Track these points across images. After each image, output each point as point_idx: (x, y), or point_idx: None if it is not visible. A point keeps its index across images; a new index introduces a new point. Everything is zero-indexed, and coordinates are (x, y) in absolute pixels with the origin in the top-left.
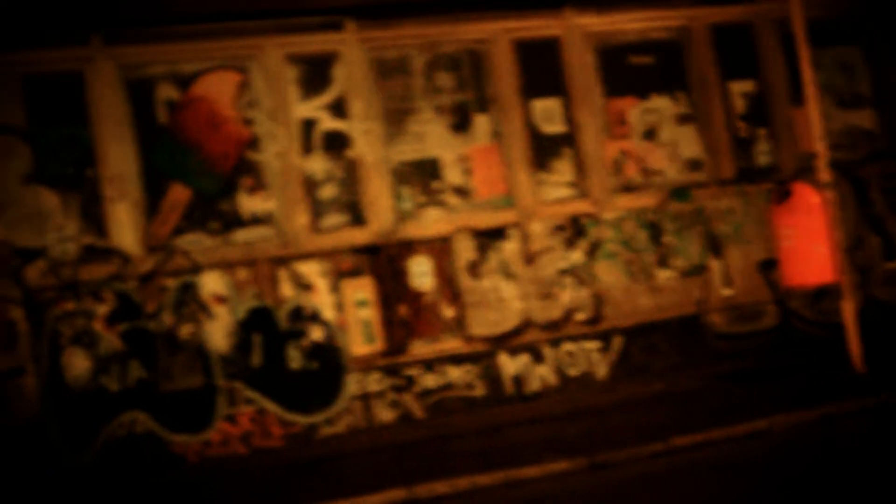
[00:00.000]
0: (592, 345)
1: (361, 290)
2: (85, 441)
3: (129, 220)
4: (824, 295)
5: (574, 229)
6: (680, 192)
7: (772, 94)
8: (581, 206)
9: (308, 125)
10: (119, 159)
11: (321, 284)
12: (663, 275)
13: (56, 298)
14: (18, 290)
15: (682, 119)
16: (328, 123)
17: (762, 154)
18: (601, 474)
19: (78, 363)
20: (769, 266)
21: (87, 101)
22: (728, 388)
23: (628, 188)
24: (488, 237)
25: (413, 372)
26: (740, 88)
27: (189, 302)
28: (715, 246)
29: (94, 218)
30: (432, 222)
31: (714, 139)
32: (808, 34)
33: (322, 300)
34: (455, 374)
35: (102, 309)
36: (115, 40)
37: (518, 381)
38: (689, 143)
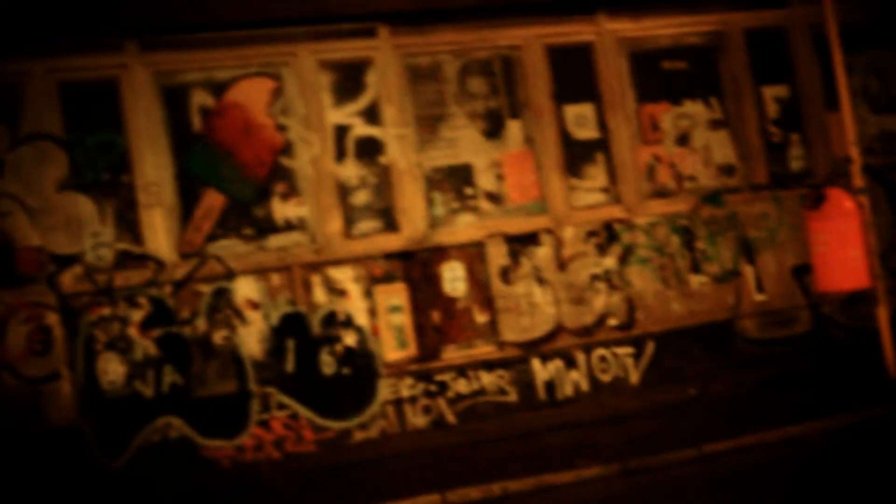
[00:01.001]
0: (625, 350)
1: (394, 295)
2: (119, 445)
3: (163, 226)
4: (858, 300)
5: (607, 235)
6: (713, 198)
7: (805, 99)
8: (614, 212)
9: (341, 131)
10: (154, 166)
11: (354, 290)
12: (696, 280)
13: (91, 304)
14: (54, 296)
15: (715, 124)
16: (361, 130)
17: (796, 159)
18: (634, 480)
19: (113, 368)
20: (802, 271)
21: (122, 107)
22: (761, 394)
23: (661, 193)
24: (521, 243)
25: (445, 377)
26: (773, 93)
27: (223, 308)
28: (748, 251)
29: (128, 224)
30: (465, 228)
31: (747, 144)
32: (841, 38)
33: (355, 306)
34: (487, 379)
35: (137, 314)
36: (151, 47)
37: (550, 386)
38: (722, 148)
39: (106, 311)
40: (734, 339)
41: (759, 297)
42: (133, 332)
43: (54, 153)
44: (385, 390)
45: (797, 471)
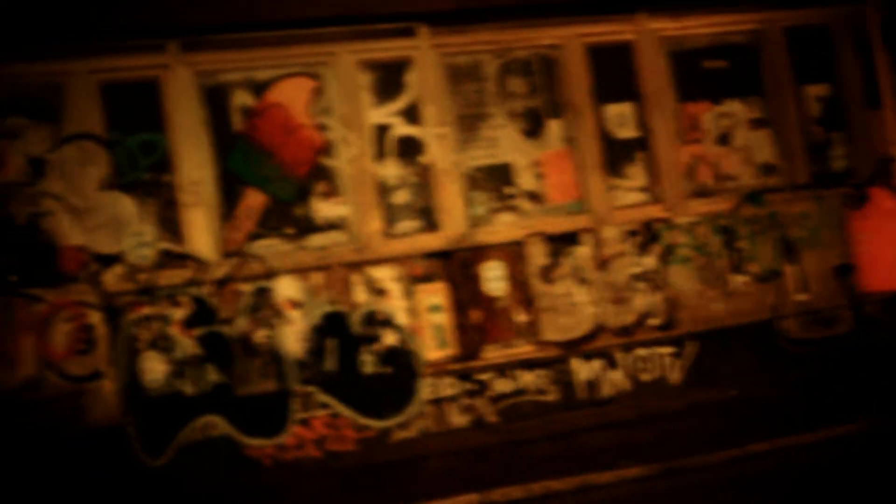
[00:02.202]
0: (665, 350)
1: (434, 295)
2: (161, 444)
3: (205, 225)
4: None
5: (647, 234)
6: (754, 197)
7: (847, 98)
8: (654, 211)
9: (381, 131)
10: (195, 165)
11: (394, 289)
12: (737, 280)
13: (133, 303)
14: (97, 295)
15: (756, 123)
16: (401, 129)
17: (837, 158)
18: (675, 480)
19: (155, 367)
20: (844, 271)
21: (163, 107)
22: (802, 394)
23: (702, 193)
24: (561, 242)
25: (486, 377)
26: (815, 92)
27: (264, 306)
28: (789, 251)
29: (170, 223)
30: (505, 227)
31: (788, 143)
32: (884, 37)
33: (395, 305)
34: (528, 378)
35: (179, 313)
36: (192, 47)
37: (591, 386)
38: (763, 147)
39: (148, 310)
40: (775, 339)
41: (801, 297)
42: (175, 330)
43: (97, 153)
44: (425, 389)
45: (838, 473)
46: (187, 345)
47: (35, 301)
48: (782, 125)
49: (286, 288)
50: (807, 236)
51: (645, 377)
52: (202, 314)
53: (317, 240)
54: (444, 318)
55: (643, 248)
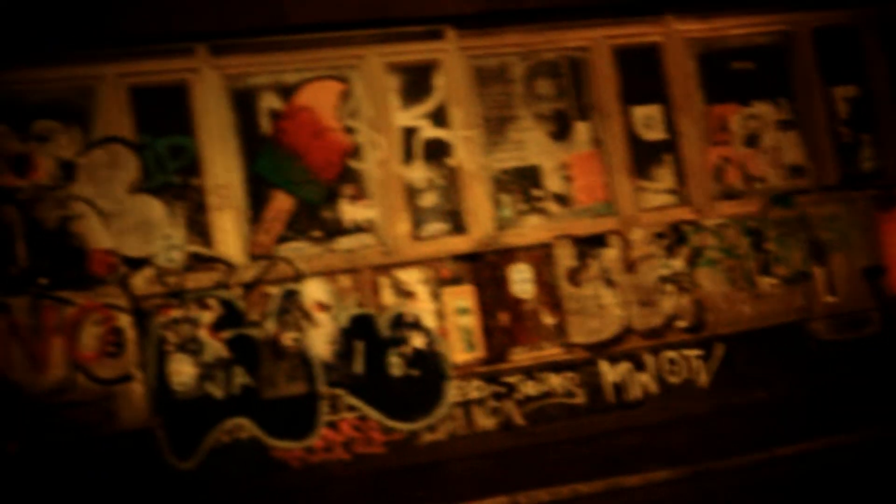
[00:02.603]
0: (694, 352)
1: (462, 297)
2: (190, 447)
3: (233, 228)
4: None
5: (675, 236)
6: (782, 199)
7: (876, 99)
8: (682, 213)
9: (409, 133)
10: (223, 168)
11: (422, 292)
12: (766, 282)
13: (162, 306)
14: (126, 298)
15: (785, 125)
16: (429, 132)
17: (867, 160)
18: (704, 483)
19: (183, 370)
20: (874, 273)
21: (191, 111)
22: (832, 396)
23: (730, 195)
24: (588, 244)
25: (513, 379)
26: (844, 93)
27: (292, 309)
28: (818, 253)
29: (198, 226)
30: (532, 230)
31: (817, 145)
32: None
33: (423, 307)
34: (555, 381)
35: (207, 316)
36: (220, 51)
37: (619, 388)
38: (791, 149)
39: (177, 313)
40: (804, 341)
41: (830, 299)
42: (203, 333)
43: (126, 156)
44: (453, 392)
45: (868, 476)
46: (216, 347)
47: (65, 304)
48: (811, 126)
49: (314, 291)
50: (835, 238)
51: (673, 379)
52: (230, 317)
53: (345, 242)
54: (471, 321)
55: (671, 251)
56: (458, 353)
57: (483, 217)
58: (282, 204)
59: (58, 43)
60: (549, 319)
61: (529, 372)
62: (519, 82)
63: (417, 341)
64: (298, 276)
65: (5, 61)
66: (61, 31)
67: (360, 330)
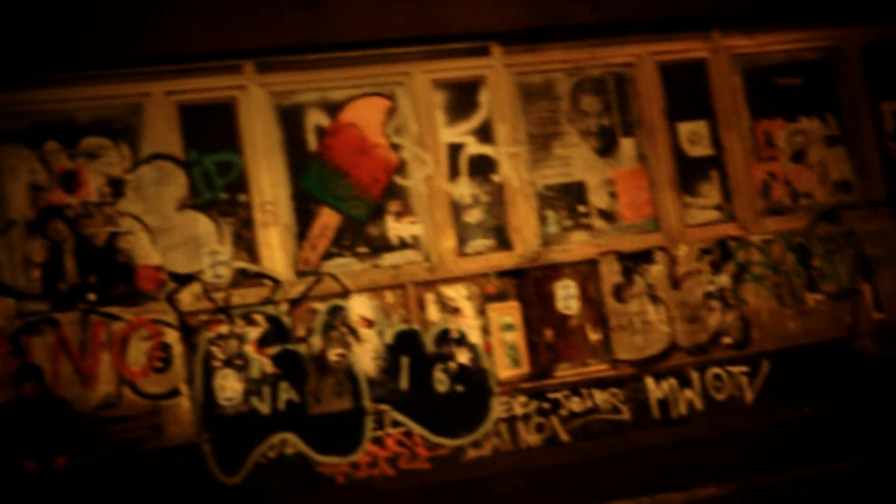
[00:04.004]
0: (739, 369)
1: (507, 313)
2: (236, 462)
3: (279, 244)
4: None
5: (721, 252)
6: (829, 215)
7: None
8: (728, 229)
9: (454, 150)
10: (270, 185)
11: (467, 308)
12: (812, 298)
13: (209, 322)
14: (173, 313)
15: (831, 140)
16: (474, 148)
17: None
18: (750, 500)
19: (230, 385)
20: None
21: (238, 128)
22: (879, 414)
23: (776, 211)
24: (634, 261)
25: (558, 395)
26: (891, 108)
27: (337, 325)
28: (865, 269)
29: (245, 243)
30: (577, 246)
31: (864, 160)
32: None
33: (468, 324)
34: (600, 397)
35: (254, 332)
36: (267, 68)
37: (664, 405)
38: (838, 164)
39: (223, 329)
40: (851, 357)
41: (878, 316)
42: (250, 349)
43: (174, 173)
44: (498, 408)
45: None
46: (262, 363)
47: (113, 319)
48: (858, 142)
49: (360, 307)
50: (883, 254)
51: (719, 396)
52: (277, 333)
53: (390, 258)
54: (516, 337)
55: (717, 267)
56: (503, 369)
57: (528, 233)
58: (328, 220)
59: (107, 61)
60: (594, 335)
61: (574, 388)
62: (564, 98)
63: (462, 357)
64: (344, 293)
65: (55, 79)
66: (111, 50)
67: (405, 346)
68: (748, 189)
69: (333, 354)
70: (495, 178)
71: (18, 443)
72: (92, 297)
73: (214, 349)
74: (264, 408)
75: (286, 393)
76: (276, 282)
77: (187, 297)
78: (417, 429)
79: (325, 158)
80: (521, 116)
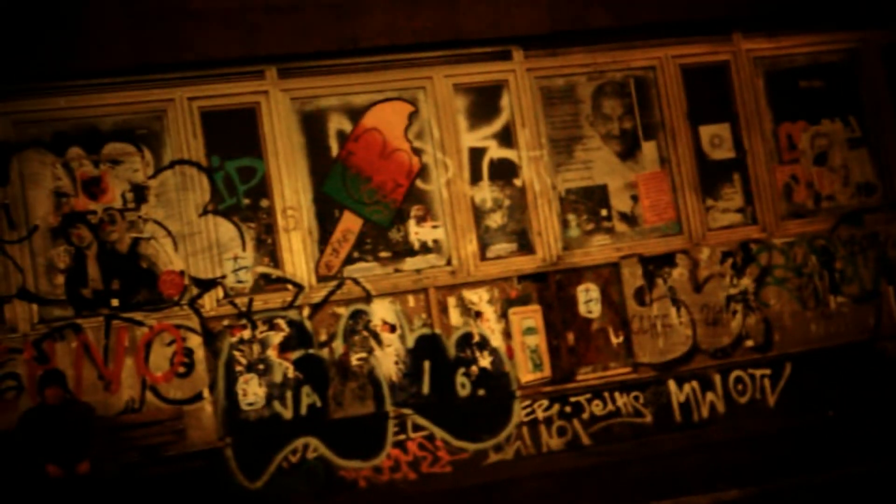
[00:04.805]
0: (762, 372)
1: (529, 317)
2: (259, 466)
3: (301, 249)
4: None
5: (743, 255)
6: (852, 217)
7: None
8: (750, 232)
9: (476, 154)
10: (292, 190)
11: (489, 312)
12: (835, 301)
13: (232, 327)
14: (196, 318)
15: (854, 143)
16: (496, 152)
17: None
18: (772, 503)
19: (252, 390)
20: None
21: (261, 133)
22: None
23: (798, 213)
24: (656, 264)
25: (580, 399)
26: None
27: (360, 330)
28: (889, 271)
29: (268, 248)
30: (599, 249)
31: (887, 163)
32: None
33: (490, 328)
34: (622, 401)
35: (276, 337)
36: (289, 74)
37: (686, 408)
38: (861, 167)
39: (246, 334)
40: (874, 360)
41: None
42: (272, 354)
43: (196, 179)
44: (520, 412)
45: None
46: (285, 368)
47: (136, 325)
48: (881, 144)
49: (382, 311)
50: None
51: (741, 399)
52: (299, 337)
53: (412, 263)
54: (538, 341)
55: (739, 270)
56: (525, 373)
57: (550, 237)
58: (350, 225)
59: (130, 68)
60: (615, 339)
61: (596, 391)
62: (586, 102)
63: (484, 361)
64: (366, 297)
65: (78, 86)
66: (134, 57)
67: (427, 350)
68: (770, 192)
69: (355, 359)
70: (517, 181)
71: (42, 448)
72: (115, 302)
73: (237, 354)
74: (286, 412)
75: (308, 397)
76: (299, 287)
77: (210, 303)
78: (439, 433)
79: (347, 163)
80: (542, 120)
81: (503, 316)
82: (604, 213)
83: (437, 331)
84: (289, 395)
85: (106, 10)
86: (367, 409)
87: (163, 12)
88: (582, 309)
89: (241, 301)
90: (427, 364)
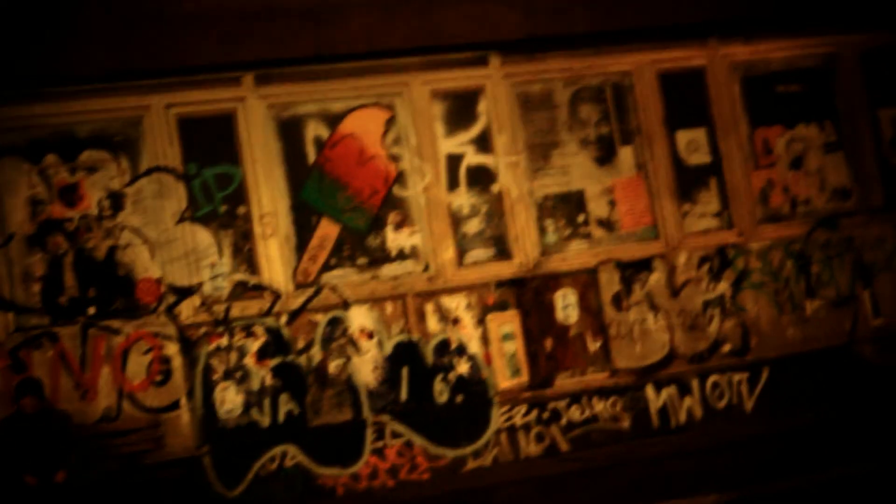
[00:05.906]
0: (739, 376)
1: (507, 323)
2: (237, 474)
3: (279, 256)
4: None
5: (720, 260)
6: (828, 221)
7: None
8: (727, 237)
9: (453, 160)
10: (270, 197)
11: (467, 318)
12: (811, 305)
13: (209, 334)
14: (173, 326)
15: (830, 147)
16: (473, 158)
17: None
18: None
19: (230, 398)
20: None
21: (238, 140)
22: (879, 420)
23: (775, 218)
24: (633, 269)
25: (558, 405)
26: (890, 115)
27: (337, 337)
28: (865, 275)
29: (245, 255)
30: (577, 255)
31: (863, 167)
32: None
33: (468, 334)
34: (600, 406)
35: (254, 344)
36: (266, 80)
37: (664, 413)
38: (837, 171)
39: (223, 341)
40: (852, 364)
41: (877, 322)
42: (250, 361)
43: (173, 186)
44: (498, 418)
45: None
46: (262, 375)
47: (112, 333)
48: (857, 149)
49: (359, 318)
50: (882, 260)
51: (719, 404)
52: (277, 345)
53: (390, 269)
54: (516, 347)
55: (716, 274)
56: (503, 379)
57: (527, 243)
58: (327, 231)
59: (106, 75)
60: (593, 345)
61: (574, 397)
62: (563, 108)
63: (462, 367)
64: (344, 304)
65: (55, 93)
66: (110, 63)
67: (405, 356)
68: (747, 196)
69: (333, 366)
70: (494, 187)
71: (19, 457)
72: (92, 310)
73: (214, 362)
74: (264, 420)
75: (286, 405)
76: (276, 294)
77: (187, 310)
78: (418, 439)
79: (325, 170)
80: (519, 126)
81: (481, 322)
82: (581, 218)
83: (415, 337)
84: (266, 402)
85: (82, 17)
86: (345, 417)
87: (139, 19)
88: (560, 315)
89: (219, 308)
90: (405, 371)
